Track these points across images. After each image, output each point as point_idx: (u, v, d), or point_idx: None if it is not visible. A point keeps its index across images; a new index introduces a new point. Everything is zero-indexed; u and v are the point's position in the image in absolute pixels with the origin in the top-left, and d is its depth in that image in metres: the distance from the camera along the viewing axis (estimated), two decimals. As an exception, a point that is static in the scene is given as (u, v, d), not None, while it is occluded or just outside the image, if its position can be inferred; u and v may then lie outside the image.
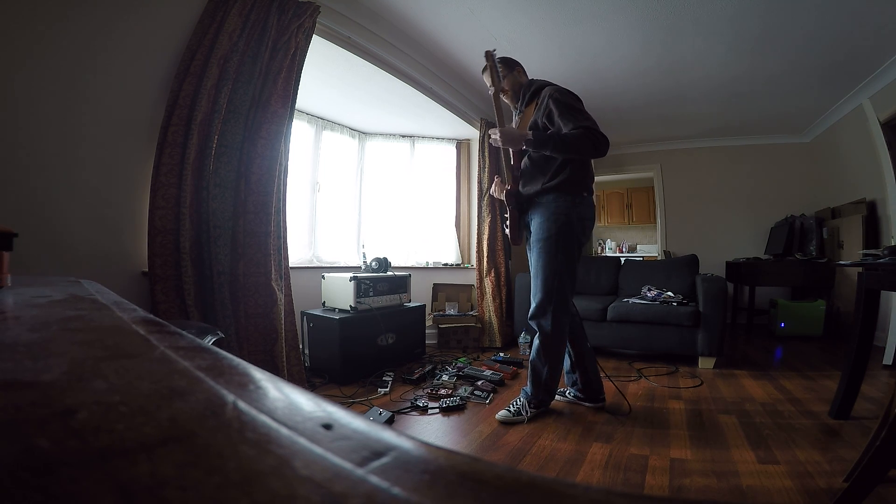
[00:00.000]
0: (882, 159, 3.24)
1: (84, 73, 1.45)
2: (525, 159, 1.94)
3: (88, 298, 0.51)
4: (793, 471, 1.38)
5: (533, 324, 1.93)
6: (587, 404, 2.11)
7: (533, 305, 1.91)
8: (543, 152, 1.77)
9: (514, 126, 2.00)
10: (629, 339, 2.99)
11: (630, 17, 2.56)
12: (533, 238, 1.92)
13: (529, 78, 2.03)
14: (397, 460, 0.15)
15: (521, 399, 1.94)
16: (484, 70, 1.97)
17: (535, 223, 1.91)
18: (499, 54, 1.90)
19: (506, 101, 2.00)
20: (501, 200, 2.06)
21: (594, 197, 2.02)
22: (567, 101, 1.78)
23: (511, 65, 2.00)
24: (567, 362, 2.10)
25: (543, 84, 1.92)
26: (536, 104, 1.89)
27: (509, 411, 1.89)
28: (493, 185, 2.10)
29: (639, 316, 2.95)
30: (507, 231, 2.08)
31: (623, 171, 5.60)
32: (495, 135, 1.83)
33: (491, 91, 1.94)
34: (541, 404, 1.94)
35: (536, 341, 1.92)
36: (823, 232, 4.08)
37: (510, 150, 1.93)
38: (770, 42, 2.80)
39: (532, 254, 1.94)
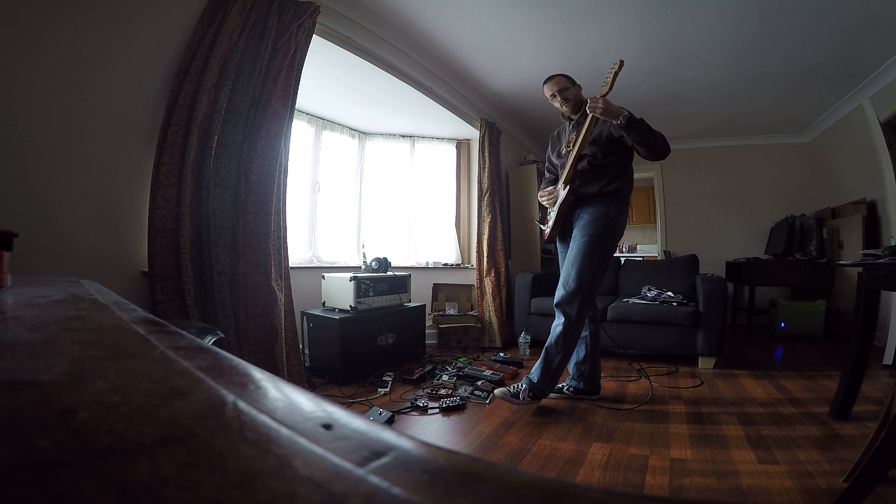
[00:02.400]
0: (882, 159, 3.24)
1: (84, 73, 1.45)
2: (584, 163, 2.05)
3: (88, 298, 0.51)
4: (793, 471, 1.38)
5: (559, 310, 1.99)
6: (585, 397, 2.15)
7: (562, 292, 1.98)
8: (630, 134, 1.86)
9: (568, 135, 2.14)
10: (629, 338, 2.99)
11: (630, 16, 2.57)
12: (577, 232, 2.02)
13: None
14: (397, 460, 0.15)
15: (524, 384, 1.98)
16: (553, 77, 2.11)
17: (584, 220, 2.01)
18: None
19: (565, 109, 2.11)
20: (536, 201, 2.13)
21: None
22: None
23: (574, 81, 2.13)
24: (581, 353, 2.16)
25: None
26: (597, 119, 1.98)
27: (509, 391, 1.98)
28: (545, 194, 2.17)
29: (639, 316, 2.95)
30: (546, 228, 2.19)
31: (623, 171, 5.60)
32: (597, 104, 1.88)
33: (549, 90, 2.10)
34: (539, 395, 1.97)
35: (558, 328, 1.98)
36: (823, 232, 4.08)
37: (574, 152, 2.00)
38: (770, 42, 2.80)
39: (572, 245, 2.02)
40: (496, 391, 2.03)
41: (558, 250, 2.24)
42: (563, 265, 2.17)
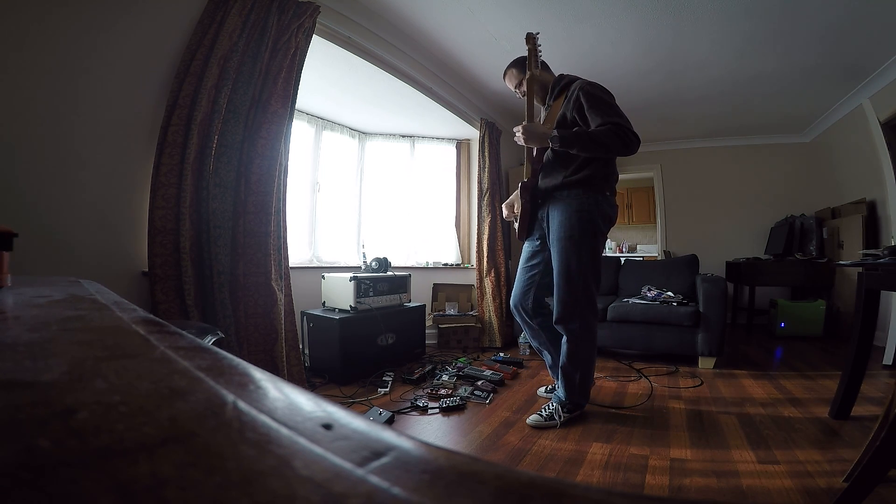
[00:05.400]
0: (882, 159, 3.24)
1: (84, 74, 1.45)
2: (548, 152, 1.86)
3: (88, 298, 0.51)
4: (793, 471, 1.38)
5: (560, 328, 1.84)
6: None
7: (558, 309, 1.82)
8: (570, 151, 1.72)
9: (540, 121, 1.96)
10: (629, 339, 2.99)
11: (630, 17, 2.56)
12: (553, 237, 1.83)
13: (557, 74, 1.99)
14: (397, 460, 0.15)
15: (554, 404, 1.87)
16: (506, 73, 1.97)
17: (556, 221, 1.82)
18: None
19: (532, 100, 1.96)
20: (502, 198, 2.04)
21: (616, 197, 1.91)
22: (597, 94, 1.73)
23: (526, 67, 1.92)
24: (549, 358, 2.05)
25: (574, 78, 1.87)
26: (565, 97, 1.83)
27: (541, 416, 1.83)
28: (507, 207, 2.06)
29: (639, 316, 2.95)
30: (516, 226, 2.04)
31: (623, 170, 5.54)
32: (519, 132, 1.77)
33: (523, 81, 1.89)
34: (576, 408, 1.88)
35: (565, 346, 1.85)
36: (823, 232, 4.08)
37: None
38: (771, 42, 2.80)
39: (553, 253, 1.84)
40: (528, 420, 1.84)
41: (524, 248, 2.06)
42: (523, 262, 2.03)
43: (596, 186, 1.80)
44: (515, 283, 2.05)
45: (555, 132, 1.71)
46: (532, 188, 1.93)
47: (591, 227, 1.78)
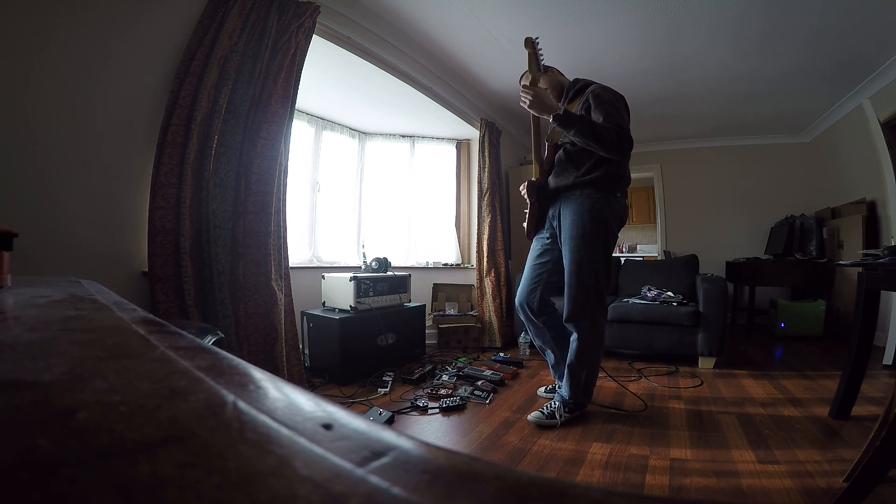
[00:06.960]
0: (882, 159, 3.24)
1: (85, 74, 1.45)
2: (560, 152, 1.88)
3: (88, 298, 0.51)
4: (793, 471, 1.38)
5: (570, 326, 1.86)
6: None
7: (569, 307, 1.83)
8: (567, 131, 1.73)
9: (548, 130, 2.00)
10: (629, 339, 2.99)
11: (630, 16, 2.56)
12: (565, 236, 1.85)
13: (573, 78, 2.03)
14: (397, 460, 0.15)
15: (556, 402, 1.88)
16: (521, 77, 2.01)
17: (567, 220, 1.83)
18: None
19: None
20: (522, 198, 2.05)
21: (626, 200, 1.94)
22: (607, 97, 1.77)
23: (544, 68, 2.01)
24: (552, 357, 2.05)
25: (589, 82, 1.90)
26: (579, 101, 1.86)
27: (542, 413, 1.84)
28: (523, 187, 2.07)
29: (639, 316, 2.95)
30: (524, 224, 2.06)
31: (623, 170, 5.60)
32: (528, 93, 1.76)
33: (525, 82, 1.94)
34: (577, 407, 1.89)
35: (574, 344, 1.86)
36: (823, 232, 4.08)
37: (544, 142, 1.90)
38: (770, 42, 2.80)
39: (564, 252, 1.86)
40: (529, 417, 1.86)
41: (532, 244, 2.07)
42: (532, 259, 2.03)
43: (607, 187, 1.82)
44: (522, 280, 2.05)
45: (560, 108, 1.74)
46: (540, 188, 1.95)
47: (602, 227, 1.80)
